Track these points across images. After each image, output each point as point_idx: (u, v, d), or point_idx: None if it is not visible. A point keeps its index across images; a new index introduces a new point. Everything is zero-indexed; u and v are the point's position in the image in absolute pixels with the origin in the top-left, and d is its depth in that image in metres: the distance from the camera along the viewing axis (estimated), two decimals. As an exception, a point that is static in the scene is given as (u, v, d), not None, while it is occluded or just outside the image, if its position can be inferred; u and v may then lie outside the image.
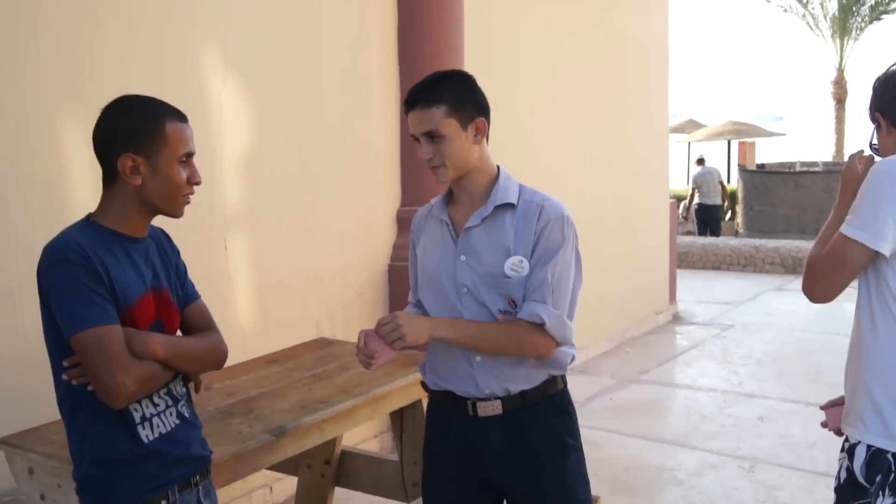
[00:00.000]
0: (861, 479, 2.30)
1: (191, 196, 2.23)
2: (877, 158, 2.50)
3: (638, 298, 8.58)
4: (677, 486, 4.98)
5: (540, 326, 2.44)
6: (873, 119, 2.51)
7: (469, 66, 5.35)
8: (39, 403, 3.38)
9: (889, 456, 2.26)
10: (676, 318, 9.33)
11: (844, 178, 2.54)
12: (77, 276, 2.02)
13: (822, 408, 2.71)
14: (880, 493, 2.26)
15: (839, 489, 2.40)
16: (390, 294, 5.33)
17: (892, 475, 2.25)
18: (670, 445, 5.60)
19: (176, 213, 2.23)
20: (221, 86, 4.24)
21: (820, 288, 2.38)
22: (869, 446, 2.30)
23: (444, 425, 2.64)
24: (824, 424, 2.67)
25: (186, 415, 2.31)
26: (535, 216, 2.50)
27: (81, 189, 3.71)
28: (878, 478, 2.27)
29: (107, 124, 2.17)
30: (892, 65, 2.53)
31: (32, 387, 3.52)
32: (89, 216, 2.19)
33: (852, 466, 2.33)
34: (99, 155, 2.17)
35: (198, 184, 2.22)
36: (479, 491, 2.62)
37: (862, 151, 2.55)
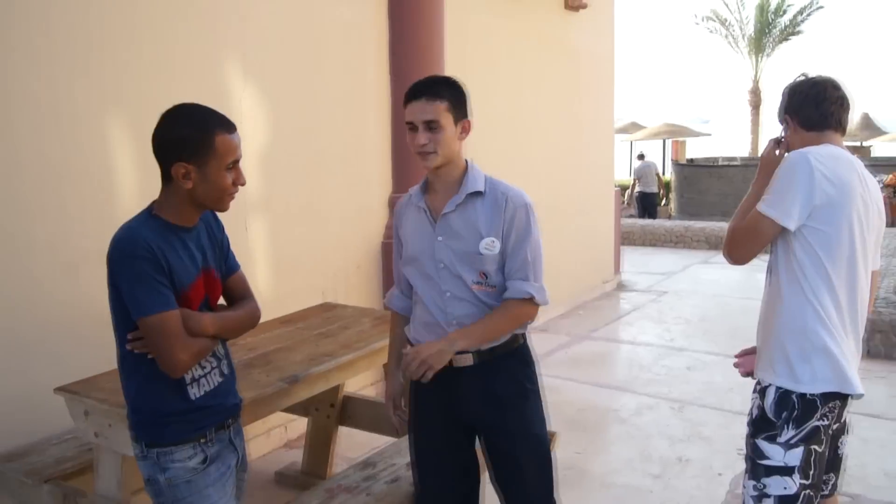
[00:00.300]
0: (771, 416, 2.38)
1: (235, 194, 2.17)
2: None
3: (589, 270, 8.58)
4: (620, 423, 5.02)
5: (528, 300, 2.48)
6: (783, 120, 2.58)
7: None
8: (92, 359, 3.37)
9: (794, 396, 2.34)
10: (620, 286, 9.35)
11: (763, 160, 2.62)
12: (145, 269, 2.01)
13: (737, 356, 2.74)
14: (785, 426, 2.36)
15: (752, 423, 2.46)
16: (383, 266, 5.31)
17: (796, 412, 2.34)
18: (615, 390, 5.62)
19: (222, 209, 2.20)
20: (242, 92, 4.21)
21: (738, 252, 2.45)
22: (778, 388, 2.37)
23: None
24: (737, 365, 2.72)
25: (226, 371, 2.30)
26: (503, 204, 2.50)
27: (125, 180, 3.69)
28: (784, 414, 2.35)
29: (164, 133, 2.10)
30: (798, 76, 2.60)
31: (87, 345, 3.51)
32: (151, 209, 2.16)
33: (763, 405, 2.40)
34: (157, 156, 2.13)
35: (242, 184, 2.17)
36: (455, 429, 2.60)
37: (780, 137, 2.61)
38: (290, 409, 4.11)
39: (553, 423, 4.88)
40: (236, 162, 2.13)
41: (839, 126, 2.50)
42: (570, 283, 8.11)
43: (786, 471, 2.38)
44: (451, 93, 2.45)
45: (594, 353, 6.62)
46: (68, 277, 3.48)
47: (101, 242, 3.53)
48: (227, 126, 2.12)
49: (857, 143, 23.64)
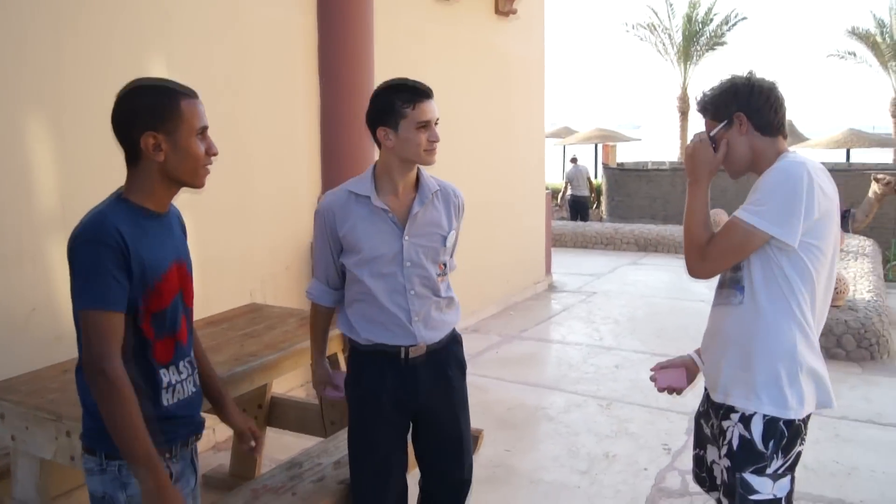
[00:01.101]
0: (760, 447, 2.19)
1: (209, 167, 2.06)
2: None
3: (519, 271, 8.67)
4: (549, 421, 5.08)
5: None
6: (726, 116, 2.32)
7: (378, 80, 5.35)
8: (10, 360, 3.31)
9: (781, 423, 2.19)
10: (551, 287, 9.46)
11: (695, 160, 2.36)
12: (104, 258, 1.86)
13: (653, 370, 2.64)
14: (774, 456, 2.19)
15: (733, 455, 2.25)
16: (313, 268, 5.29)
17: (785, 440, 2.19)
18: (544, 389, 5.69)
19: (198, 183, 2.06)
20: (167, 91, 4.15)
21: (711, 267, 2.27)
22: (765, 416, 2.20)
23: (378, 371, 2.65)
24: (653, 380, 2.61)
25: (196, 384, 2.19)
26: (455, 200, 2.73)
27: (44, 180, 3.61)
28: (772, 443, 2.19)
29: (125, 106, 1.99)
30: (747, 73, 2.37)
31: (2, 347, 3.43)
32: (119, 193, 2.02)
33: (750, 435, 2.21)
34: (120, 136, 2.00)
35: (215, 154, 2.05)
36: (400, 424, 2.72)
37: (712, 133, 2.35)
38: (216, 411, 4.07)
39: (482, 421, 4.96)
40: (205, 129, 2.04)
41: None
42: (502, 284, 8.19)
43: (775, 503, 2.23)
44: None
45: (524, 353, 6.67)
46: (-11, 276, 3.38)
47: (15, 242, 3.49)
48: (190, 92, 2.03)
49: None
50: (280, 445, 4.33)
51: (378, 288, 2.61)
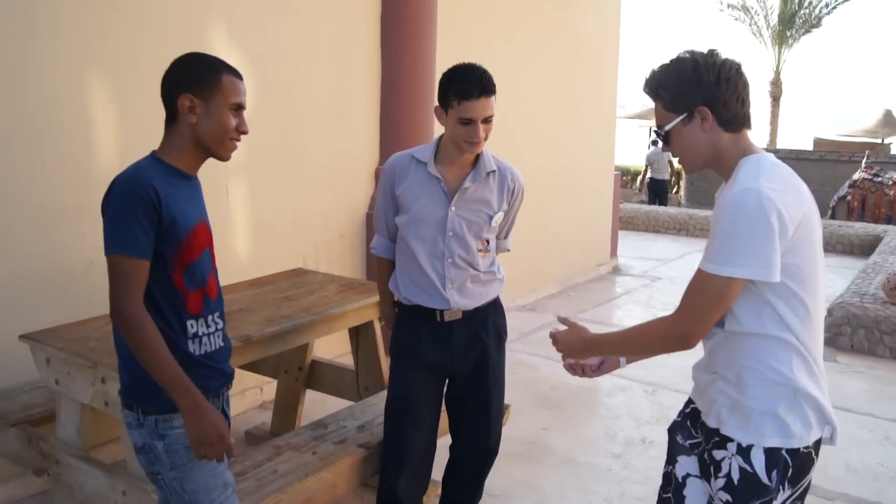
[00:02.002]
0: (765, 480, 1.97)
1: (237, 143, 2.17)
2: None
3: (583, 252, 8.61)
4: (591, 403, 5.09)
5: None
6: (686, 109, 2.00)
7: (441, 54, 5.39)
8: (63, 310, 3.50)
9: (783, 452, 1.97)
10: (616, 270, 9.37)
11: (565, 347, 2.24)
12: (136, 208, 1.98)
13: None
14: (780, 487, 1.99)
15: (734, 489, 2.01)
16: (367, 237, 5.39)
17: (790, 469, 1.98)
18: (591, 371, 5.66)
19: (224, 155, 2.17)
20: (227, 56, 4.22)
21: (696, 329, 1.94)
22: (765, 447, 1.98)
23: (416, 328, 2.87)
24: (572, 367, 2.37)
25: (224, 339, 2.30)
26: (511, 184, 2.87)
27: (103, 137, 3.77)
28: (776, 473, 1.97)
29: (173, 70, 2.14)
30: (713, 52, 2.02)
31: (58, 297, 3.63)
32: (153, 153, 2.15)
33: (752, 468, 1.98)
34: (164, 97, 2.14)
35: (245, 133, 2.17)
36: (437, 377, 2.91)
37: (662, 132, 2.06)
38: (261, 371, 4.22)
39: (525, 398, 5.01)
40: (241, 107, 2.16)
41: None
42: (563, 264, 8.16)
43: None
44: (495, 83, 2.68)
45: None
46: (44, 230, 3.57)
47: (76, 197, 3.67)
48: (235, 72, 2.17)
49: (878, 140, 23.42)
50: (322, 408, 4.44)
51: (419, 250, 2.80)
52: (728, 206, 1.86)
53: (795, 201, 1.89)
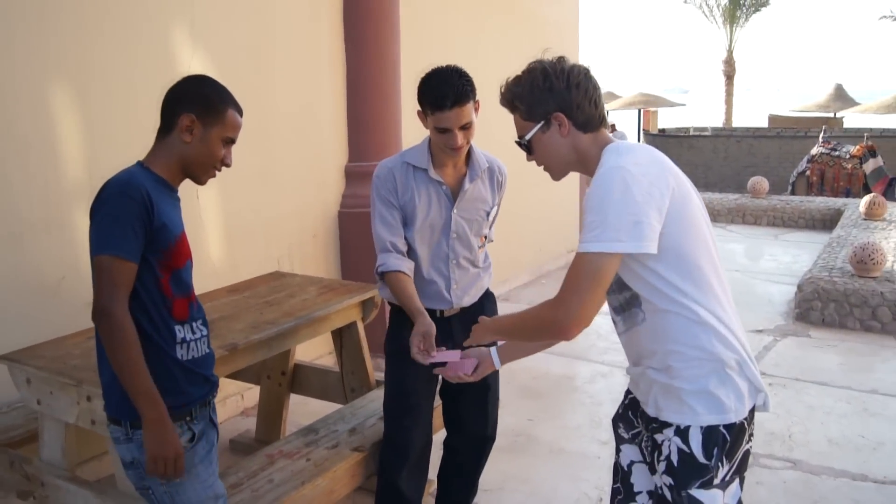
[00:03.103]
0: (702, 459, 1.95)
1: (217, 173, 2.23)
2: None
3: (553, 239, 8.64)
4: (573, 391, 5.12)
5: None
6: (542, 117, 2.04)
7: (404, 44, 5.36)
8: (37, 328, 3.41)
9: (721, 428, 1.95)
10: (585, 256, 9.40)
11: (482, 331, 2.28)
12: (128, 210, 2.00)
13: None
14: (719, 464, 1.97)
15: (673, 471, 1.99)
16: (340, 235, 5.35)
17: (728, 444, 1.97)
18: (571, 359, 5.69)
19: (202, 180, 2.23)
20: (190, 58, 4.19)
21: (575, 311, 1.85)
22: (702, 426, 1.96)
23: (413, 326, 2.71)
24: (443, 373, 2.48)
25: (209, 347, 2.30)
26: (497, 174, 2.92)
27: (70, 150, 3.68)
28: (716, 450, 1.95)
29: (183, 86, 2.19)
30: (562, 59, 2.06)
31: (32, 315, 3.54)
32: (140, 163, 2.17)
33: (689, 448, 1.96)
34: (164, 107, 2.17)
35: (228, 166, 2.23)
36: (433, 373, 2.78)
37: (525, 141, 2.11)
38: (242, 378, 4.17)
39: (506, 390, 5.00)
40: (232, 141, 2.21)
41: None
42: (534, 252, 8.18)
43: None
44: (471, 87, 2.66)
45: (554, 322, 6.61)
46: (12, 247, 3.48)
47: (43, 212, 3.59)
48: (240, 109, 2.24)
49: (830, 114, 23.83)
50: (306, 411, 4.41)
51: (423, 255, 2.82)
52: (594, 187, 1.88)
53: (660, 172, 1.90)
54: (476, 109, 2.69)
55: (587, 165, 2.05)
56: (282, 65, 4.86)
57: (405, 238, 2.81)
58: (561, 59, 2.05)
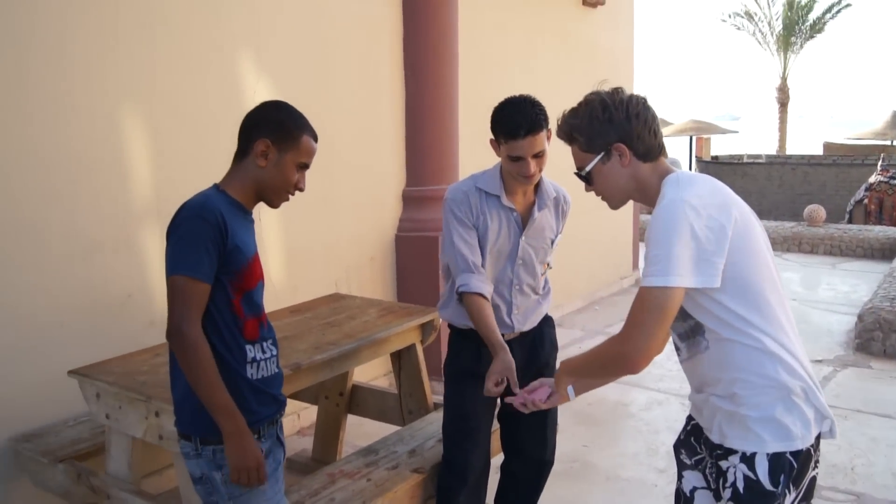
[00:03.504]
0: (769, 486, 1.94)
1: (291, 197, 2.27)
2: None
3: (606, 266, 8.60)
4: (629, 418, 5.05)
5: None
6: (602, 148, 2.04)
7: (462, 72, 5.40)
8: (106, 344, 3.49)
9: (787, 455, 1.94)
10: (639, 282, 9.31)
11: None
12: (203, 232, 2.04)
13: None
14: (786, 491, 1.95)
15: (741, 498, 1.97)
16: (397, 259, 5.38)
17: (794, 471, 1.95)
18: (626, 385, 5.63)
19: (275, 204, 2.27)
20: (256, 85, 4.28)
21: (642, 345, 1.87)
22: (768, 453, 1.94)
23: (475, 350, 2.85)
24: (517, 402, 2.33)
25: (278, 366, 2.34)
26: (562, 203, 2.94)
27: (138, 170, 3.77)
28: (782, 477, 1.94)
29: (262, 112, 2.24)
30: (619, 90, 2.07)
31: (101, 330, 3.62)
32: (216, 185, 2.22)
33: (755, 476, 1.95)
34: (242, 132, 2.22)
35: (301, 190, 2.27)
36: (493, 397, 2.84)
37: (585, 173, 2.10)
38: (300, 398, 4.20)
39: (562, 415, 4.95)
40: (306, 166, 2.25)
41: None
42: (588, 278, 8.14)
43: None
44: (544, 116, 2.67)
45: (607, 349, 6.56)
46: (82, 264, 3.57)
47: (113, 230, 3.68)
48: (315, 135, 2.29)
49: (887, 142, 23.37)
50: (362, 433, 4.43)
51: (491, 279, 2.83)
52: (656, 220, 1.88)
53: (722, 203, 1.90)
54: (548, 138, 2.68)
55: (647, 195, 2.06)
56: (343, 91, 4.93)
57: None
58: (617, 90, 2.05)
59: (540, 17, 7.01)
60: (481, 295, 2.73)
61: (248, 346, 2.19)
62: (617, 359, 1.94)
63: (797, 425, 1.94)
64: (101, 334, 3.62)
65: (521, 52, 6.71)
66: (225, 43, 4.16)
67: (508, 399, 2.40)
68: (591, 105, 2.04)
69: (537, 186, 2.86)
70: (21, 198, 3.35)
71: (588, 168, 2.07)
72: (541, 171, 2.75)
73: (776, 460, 1.93)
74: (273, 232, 4.50)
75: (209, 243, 2.05)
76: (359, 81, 5.05)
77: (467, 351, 2.90)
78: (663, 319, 1.85)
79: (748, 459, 1.96)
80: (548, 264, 2.95)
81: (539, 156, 2.68)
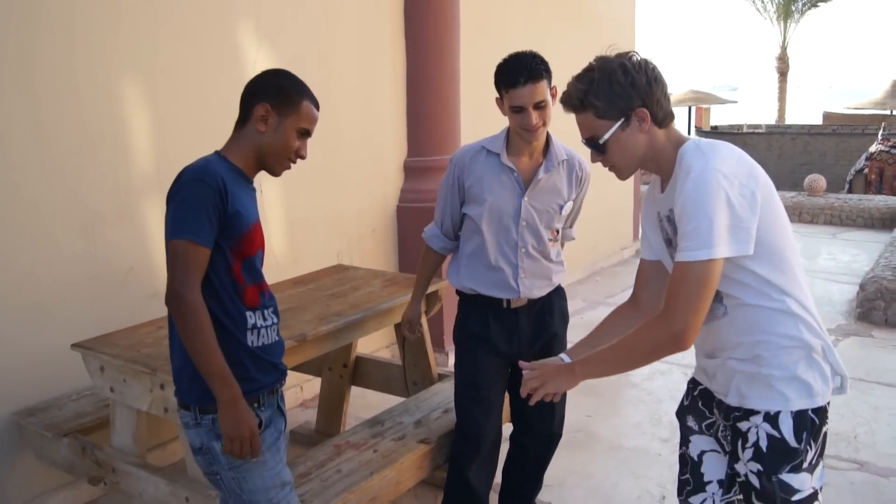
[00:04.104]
0: (793, 443, 1.95)
1: (292, 164, 2.23)
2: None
3: (607, 236, 8.55)
4: (632, 387, 5.05)
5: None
6: (623, 114, 1.94)
7: (463, 42, 5.33)
8: (109, 316, 3.47)
9: (810, 412, 1.96)
10: (638, 253, 9.29)
11: (557, 376, 2.08)
12: (205, 196, 2.02)
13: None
14: (808, 447, 1.97)
15: (763, 457, 1.98)
16: (399, 230, 5.35)
17: (815, 427, 1.97)
18: (628, 355, 5.61)
19: (277, 172, 2.24)
20: (256, 55, 4.22)
21: (689, 322, 1.84)
22: (792, 411, 1.96)
23: (482, 316, 2.89)
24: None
25: (279, 335, 2.31)
26: (576, 169, 2.88)
27: (141, 144, 3.73)
28: (805, 434, 1.95)
29: (262, 79, 2.21)
30: (633, 53, 2.00)
31: (103, 304, 3.59)
32: (218, 152, 2.19)
33: (780, 433, 1.95)
34: (243, 99, 2.19)
35: (303, 157, 2.22)
36: (502, 363, 2.93)
37: (600, 141, 1.97)
38: (303, 370, 4.19)
39: (564, 386, 4.90)
40: (307, 133, 2.21)
41: None
42: (588, 249, 8.11)
43: (814, 497, 2.01)
44: (546, 68, 2.66)
45: (609, 319, 6.55)
46: (83, 238, 3.54)
47: (114, 203, 3.64)
48: (316, 102, 2.24)
49: (887, 112, 23.25)
50: (365, 404, 4.43)
51: (491, 241, 2.82)
52: (690, 193, 1.83)
53: (749, 170, 1.89)
54: (554, 96, 2.67)
55: (660, 163, 2.00)
56: (344, 62, 4.87)
57: (473, 217, 2.84)
58: (630, 54, 1.97)
59: (542, -15, 6.91)
60: (434, 252, 3.02)
61: (248, 313, 2.16)
62: (664, 340, 1.89)
63: (818, 381, 1.96)
64: (103, 307, 3.59)
65: (523, 21, 6.62)
66: (225, 13, 4.09)
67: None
68: (609, 68, 1.94)
69: (546, 149, 2.82)
70: (23, 171, 3.32)
71: (606, 136, 1.96)
72: (544, 124, 2.71)
73: (800, 418, 1.95)
74: (274, 203, 4.46)
75: (210, 207, 2.02)
76: (359, 52, 4.99)
77: (473, 316, 2.91)
78: (707, 291, 1.84)
79: (772, 418, 1.96)
80: (557, 231, 2.90)
81: (541, 106, 2.65)
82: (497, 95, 2.72)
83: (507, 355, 2.90)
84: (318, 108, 2.24)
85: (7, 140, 3.25)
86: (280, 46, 4.39)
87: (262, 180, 4.32)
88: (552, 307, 2.97)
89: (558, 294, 3.02)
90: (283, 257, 4.51)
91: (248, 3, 4.21)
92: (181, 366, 2.14)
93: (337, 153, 4.86)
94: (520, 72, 2.61)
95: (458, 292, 2.97)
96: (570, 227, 3.05)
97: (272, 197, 4.43)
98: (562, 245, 3.02)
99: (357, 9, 4.94)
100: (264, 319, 2.22)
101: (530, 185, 2.80)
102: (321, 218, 4.80)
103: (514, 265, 2.84)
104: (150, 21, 3.73)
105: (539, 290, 2.91)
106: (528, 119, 2.64)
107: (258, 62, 4.20)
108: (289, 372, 4.16)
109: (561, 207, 2.86)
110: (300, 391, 4.82)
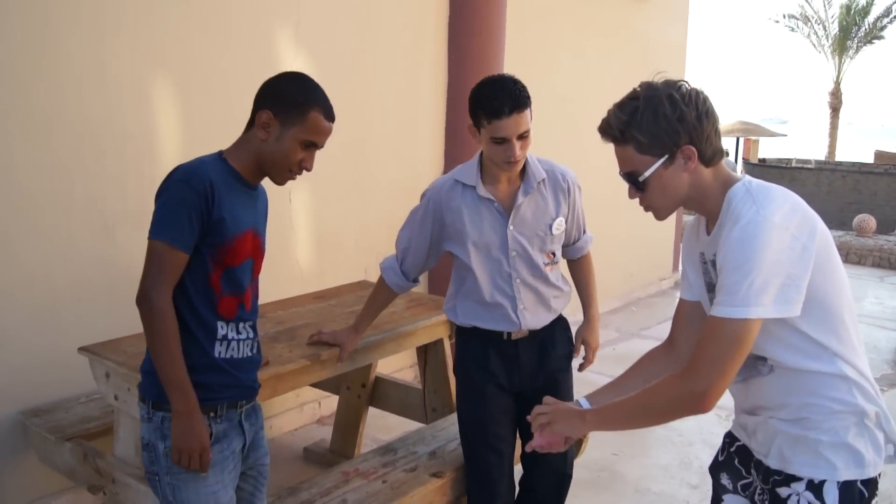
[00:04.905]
0: None
1: (296, 176, 2.13)
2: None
3: (645, 266, 8.34)
4: (662, 428, 4.84)
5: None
6: (668, 150, 1.76)
7: (508, 58, 5.20)
8: (123, 320, 3.37)
9: (858, 484, 1.78)
10: (678, 284, 9.09)
11: (569, 418, 1.95)
12: (189, 199, 1.95)
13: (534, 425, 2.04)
14: None
15: None
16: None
17: (863, 500, 1.80)
18: (660, 392, 5.42)
19: (277, 181, 2.14)
20: (293, 62, 4.13)
21: (724, 385, 1.70)
22: (839, 481, 1.78)
23: (481, 348, 2.73)
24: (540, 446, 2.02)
25: (255, 352, 2.22)
26: (564, 186, 2.67)
27: (167, 143, 3.65)
28: None
29: (273, 82, 2.12)
30: (682, 82, 1.80)
31: (119, 306, 3.49)
32: (220, 153, 2.12)
33: None
34: (254, 102, 2.11)
35: (307, 170, 2.12)
36: (505, 398, 2.75)
37: (641, 178, 1.83)
38: (321, 386, 4.07)
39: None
40: (315, 146, 2.10)
41: None
42: (625, 278, 7.92)
43: None
44: (527, 94, 2.46)
45: (642, 352, 6.34)
46: (104, 238, 3.46)
47: (139, 204, 3.54)
48: (329, 113, 2.10)
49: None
50: (383, 425, 4.30)
51: (484, 277, 2.65)
52: (735, 244, 1.65)
53: (803, 219, 1.70)
54: (531, 118, 2.49)
55: (705, 204, 1.83)
56: (384, 71, 4.76)
57: (460, 256, 2.68)
58: (679, 83, 1.77)
59: (590, 6, 6.76)
60: (388, 285, 2.83)
61: (220, 323, 2.09)
62: (683, 400, 1.72)
63: (870, 451, 1.78)
64: (118, 311, 3.49)
65: (569, 42, 6.47)
66: (263, 14, 4.01)
67: (536, 445, 2.02)
68: (655, 99, 1.75)
69: (523, 170, 2.62)
70: (45, 168, 3.26)
71: (647, 173, 1.79)
72: (524, 154, 2.52)
73: (847, 489, 1.77)
74: (304, 214, 4.36)
75: (192, 212, 1.96)
76: (400, 64, 4.88)
77: (472, 349, 2.77)
78: (738, 354, 1.67)
79: (816, 487, 1.78)
80: (552, 254, 2.70)
81: (524, 136, 2.47)
82: (470, 123, 2.53)
83: (508, 388, 2.75)
84: (331, 119, 2.11)
85: (30, 137, 3.19)
86: (318, 51, 4.30)
87: (293, 189, 4.25)
88: (553, 338, 2.79)
89: (561, 323, 2.83)
90: (308, 270, 4.40)
91: (287, 6, 4.13)
92: (148, 359, 2.10)
93: (370, 166, 4.75)
94: (504, 101, 2.40)
95: (456, 325, 2.84)
96: (584, 232, 2.86)
97: (301, 207, 4.33)
98: (583, 249, 2.88)
99: (400, 18, 4.83)
100: (238, 332, 2.14)
101: (512, 213, 2.61)
102: (351, 231, 4.68)
103: (511, 297, 2.66)
104: (184, 17, 3.65)
105: (540, 321, 2.73)
106: (512, 151, 2.45)
107: (295, 66, 4.10)
108: (308, 387, 4.08)
109: (550, 227, 2.65)
110: (318, 407, 4.70)
